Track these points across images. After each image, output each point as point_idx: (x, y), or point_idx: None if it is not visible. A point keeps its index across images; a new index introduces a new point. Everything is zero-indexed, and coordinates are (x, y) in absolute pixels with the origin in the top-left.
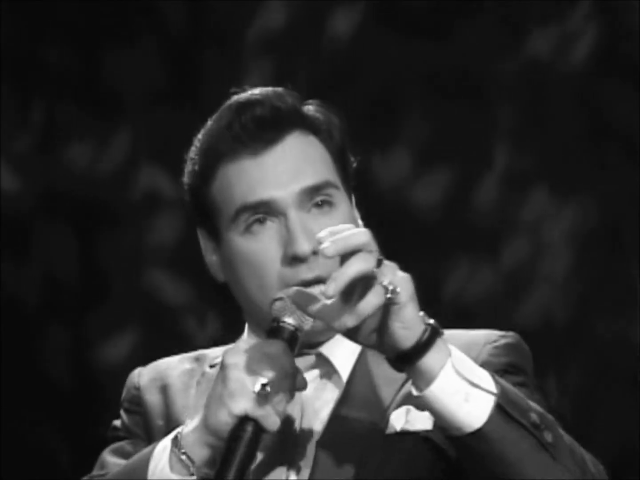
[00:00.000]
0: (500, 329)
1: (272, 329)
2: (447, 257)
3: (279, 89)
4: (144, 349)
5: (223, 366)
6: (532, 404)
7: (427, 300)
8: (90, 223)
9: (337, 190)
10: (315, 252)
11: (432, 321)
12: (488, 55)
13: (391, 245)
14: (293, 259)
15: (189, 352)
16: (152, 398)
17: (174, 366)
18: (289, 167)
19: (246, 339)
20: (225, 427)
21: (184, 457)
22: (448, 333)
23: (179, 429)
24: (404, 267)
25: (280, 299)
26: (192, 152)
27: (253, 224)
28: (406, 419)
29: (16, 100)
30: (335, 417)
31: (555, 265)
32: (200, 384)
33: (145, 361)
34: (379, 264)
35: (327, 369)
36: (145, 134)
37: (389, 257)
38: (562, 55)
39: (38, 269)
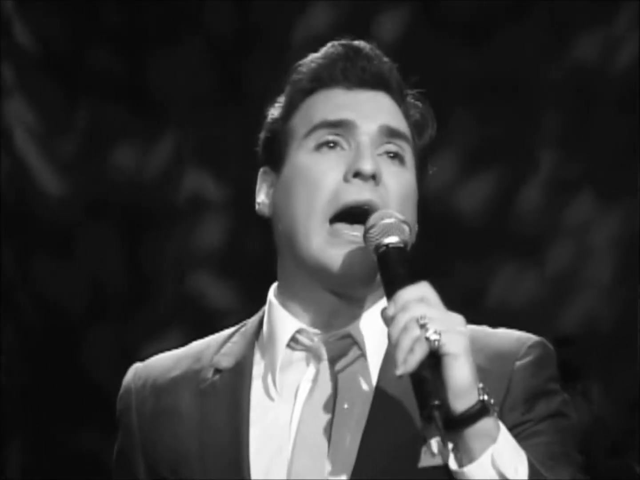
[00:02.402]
0: (545, 335)
1: (382, 254)
2: (492, 262)
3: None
4: None
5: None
6: None
7: (472, 305)
8: (136, 227)
9: (410, 154)
10: (374, 177)
11: (486, 396)
12: (534, 60)
13: (436, 251)
14: (355, 175)
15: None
16: (152, 426)
17: (172, 375)
18: (376, 106)
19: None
20: None
21: None
22: (470, 329)
23: None
24: (448, 272)
25: (372, 226)
26: (281, 96)
27: (324, 144)
28: (439, 451)
29: (62, 105)
30: (367, 444)
31: (600, 271)
32: (206, 394)
33: None
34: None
35: (358, 356)
36: (190, 137)
37: (434, 263)
38: (608, 60)
39: (84, 273)
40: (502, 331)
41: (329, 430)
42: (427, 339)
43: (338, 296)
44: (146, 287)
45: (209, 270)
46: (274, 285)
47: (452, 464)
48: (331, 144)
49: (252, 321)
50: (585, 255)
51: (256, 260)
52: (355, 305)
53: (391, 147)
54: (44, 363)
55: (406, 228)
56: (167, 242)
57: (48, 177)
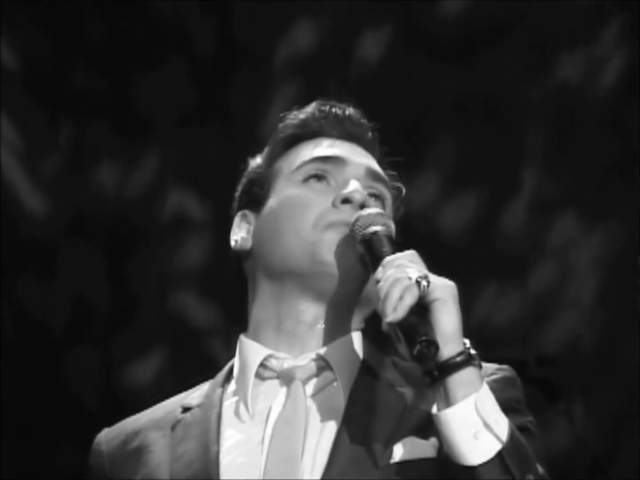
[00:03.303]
0: (528, 354)
1: (369, 238)
2: (475, 281)
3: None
4: (171, 370)
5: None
6: (537, 466)
7: None
8: (119, 246)
9: (390, 201)
10: (362, 206)
11: (472, 350)
12: (516, 79)
13: None
14: (343, 202)
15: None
16: (124, 465)
17: (141, 423)
18: (362, 154)
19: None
20: None
21: None
22: None
23: None
24: None
25: (357, 220)
26: (261, 153)
27: (313, 177)
28: (410, 448)
29: (45, 123)
30: (339, 446)
31: (583, 291)
32: (176, 430)
33: (172, 382)
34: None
35: (329, 379)
36: (174, 156)
37: None
38: (591, 80)
39: (66, 291)
40: None
41: (301, 444)
42: (418, 282)
43: (319, 306)
44: (129, 306)
45: (192, 289)
46: (243, 333)
47: (433, 409)
48: (318, 178)
49: (220, 373)
50: (568, 275)
51: (239, 279)
52: (330, 329)
53: (374, 191)
54: (25, 381)
55: (391, 223)
56: (150, 261)
57: (31, 195)
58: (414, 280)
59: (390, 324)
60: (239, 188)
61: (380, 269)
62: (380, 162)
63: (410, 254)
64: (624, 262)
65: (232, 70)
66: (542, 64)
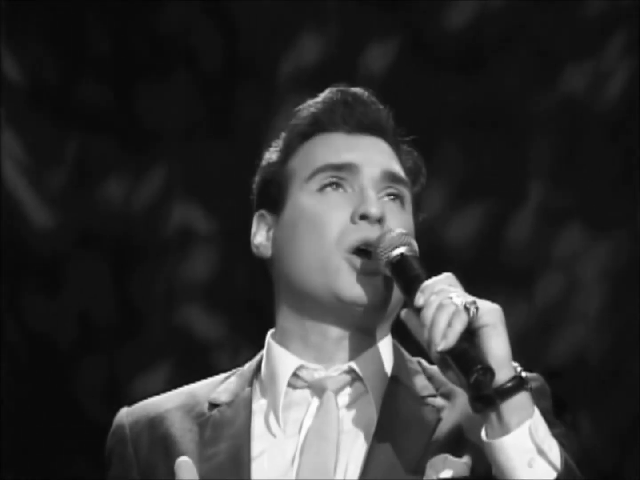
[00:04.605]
0: (535, 367)
1: (397, 262)
2: (481, 294)
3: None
4: (178, 384)
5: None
6: None
7: None
8: (125, 259)
9: (409, 197)
10: (380, 220)
11: (523, 373)
12: (522, 91)
13: None
14: (361, 218)
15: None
16: (149, 454)
17: (165, 407)
18: (377, 151)
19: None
20: None
21: None
22: None
23: None
24: None
25: (380, 244)
26: (276, 140)
27: (328, 185)
28: (443, 467)
29: (51, 137)
30: (371, 461)
31: (589, 303)
32: (205, 429)
33: None
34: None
35: (360, 390)
36: (180, 169)
37: None
38: (597, 92)
39: (73, 305)
40: None
41: (334, 456)
42: (467, 308)
43: (343, 328)
44: (135, 320)
45: (198, 303)
46: (272, 330)
47: (485, 437)
48: (334, 186)
49: (249, 364)
50: (575, 287)
51: (245, 293)
52: (357, 343)
53: (392, 191)
54: (32, 395)
55: (414, 242)
56: (156, 275)
57: (37, 210)
58: (461, 306)
59: (440, 352)
60: (255, 186)
61: (419, 294)
62: (397, 144)
63: (448, 277)
64: (630, 274)
65: (237, 84)
66: (548, 76)
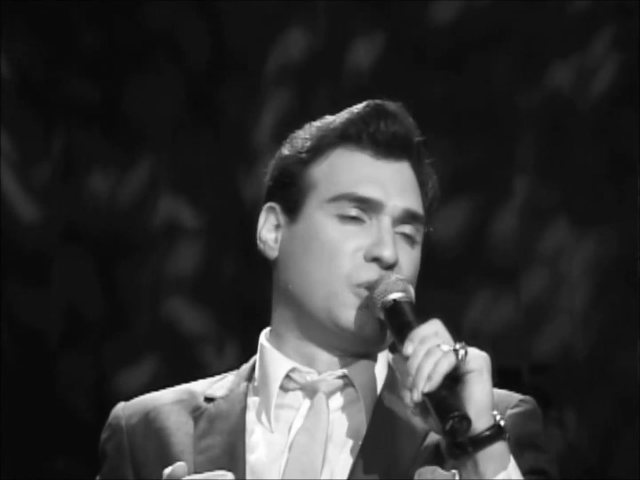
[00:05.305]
0: (520, 362)
1: (390, 307)
2: (467, 289)
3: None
4: (164, 378)
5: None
6: None
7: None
8: (111, 253)
9: (422, 232)
10: (391, 266)
11: (502, 422)
12: (508, 87)
13: None
14: (374, 259)
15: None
16: (144, 445)
17: (161, 402)
18: (402, 185)
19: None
20: None
21: None
22: None
23: None
24: (424, 300)
25: (376, 288)
26: (305, 130)
27: (348, 217)
28: (431, 477)
29: (38, 132)
30: (359, 464)
31: (575, 297)
32: (200, 422)
33: (164, 389)
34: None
35: (352, 396)
36: (165, 164)
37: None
38: (582, 88)
39: (59, 299)
40: (501, 391)
41: (321, 455)
42: (456, 351)
43: (338, 350)
44: (121, 313)
45: (184, 297)
46: (266, 330)
47: (455, 477)
48: (356, 217)
49: (244, 366)
50: (560, 282)
51: (230, 287)
52: (352, 356)
53: (409, 230)
54: (18, 388)
55: (410, 287)
56: (142, 269)
57: (24, 204)
58: (450, 349)
59: (423, 394)
60: (270, 175)
61: (407, 342)
62: (420, 166)
63: (435, 324)
64: (615, 269)
65: (223, 79)
66: (534, 72)
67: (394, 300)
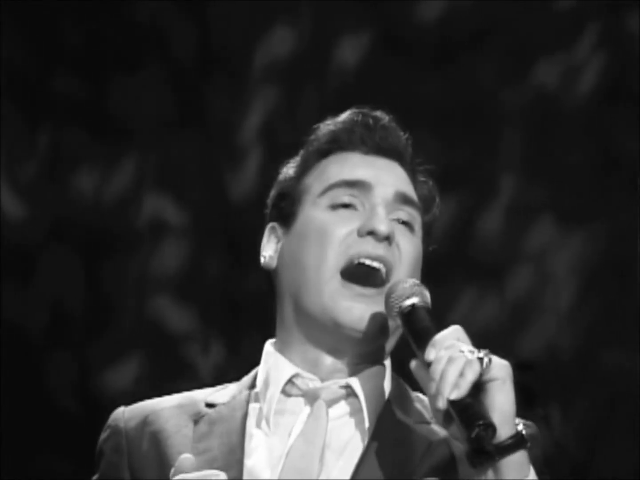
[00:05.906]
0: (506, 360)
1: (408, 312)
2: (452, 287)
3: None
4: (149, 375)
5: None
6: None
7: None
8: (96, 250)
9: (419, 223)
10: (388, 238)
11: (524, 431)
12: (494, 85)
13: None
14: (368, 233)
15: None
16: (142, 447)
17: (162, 406)
18: (392, 173)
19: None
20: None
21: None
22: None
23: None
24: None
25: (392, 292)
26: (296, 157)
27: (339, 206)
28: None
29: (23, 128)
30: (359, 473)
31: (561, 296)
32: (199, 425)
33: (149, 387)
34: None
35: (355, 407)
36: (151, 161)
37: None
38: (568, 86)
39: (44, 296)
40: None
41: (317, 462)
42: (480, 359)
43: (340, 352)
44: (106, 311)
45: (169, 294)
46: (271, 340)
47: None
48: (347, 204)
49: (246, 376)
50: (546, 280)
51: (216, 285)
52: (356, 362)
53: (403, 215)
54: (2, 385)
55: (426, 292)
56: (127, 266)
57: (9, 200)
58: (474, 357)
59: (448, 403)
60: (270, 199)
61: (429, 349)
62: (413, 171)
63: (456, 330)
64: (601, 267)
65: (209, 76)
66: (520, 69)
67: (412, 305)
